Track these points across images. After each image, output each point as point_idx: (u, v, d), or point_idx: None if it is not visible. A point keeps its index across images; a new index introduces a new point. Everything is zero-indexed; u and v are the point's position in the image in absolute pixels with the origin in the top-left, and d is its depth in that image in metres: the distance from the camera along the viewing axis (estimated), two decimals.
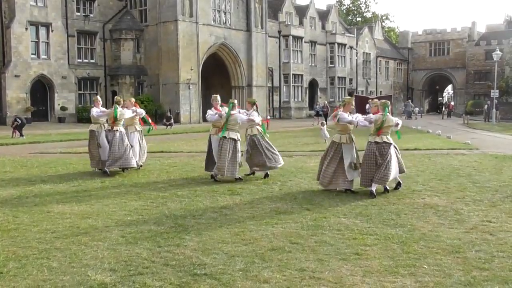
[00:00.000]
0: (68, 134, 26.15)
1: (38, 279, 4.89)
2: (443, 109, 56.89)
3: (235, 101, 11.09)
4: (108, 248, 5.86)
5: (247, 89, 43.93)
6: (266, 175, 11.12)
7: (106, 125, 12.42)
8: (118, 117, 11.86)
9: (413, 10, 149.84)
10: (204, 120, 38.60)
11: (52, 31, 34.69)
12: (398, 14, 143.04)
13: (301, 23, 51.35)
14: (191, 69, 38.37)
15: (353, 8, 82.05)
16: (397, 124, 9.47)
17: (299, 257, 5.52)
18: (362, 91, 59.33)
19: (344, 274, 5.00)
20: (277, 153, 11.26)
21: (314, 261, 5.37)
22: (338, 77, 55.16)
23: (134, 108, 12.60)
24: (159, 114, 36.83)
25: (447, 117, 50.92)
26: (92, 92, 38.81)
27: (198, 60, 39.20)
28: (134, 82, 39.05)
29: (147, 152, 13.60)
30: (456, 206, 8.04)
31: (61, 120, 35.33)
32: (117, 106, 12.01)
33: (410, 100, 56.04)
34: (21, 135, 23.65)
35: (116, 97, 12.91)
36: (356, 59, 59.44)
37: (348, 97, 10.55)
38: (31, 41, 33.91)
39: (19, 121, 24.14)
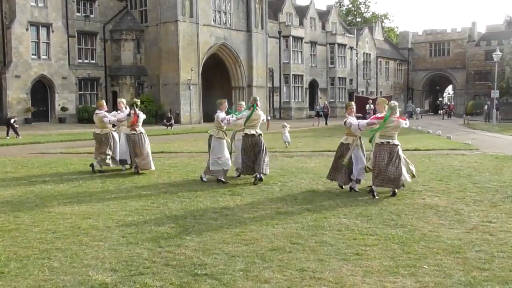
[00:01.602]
0: (69, 134, 26.15)
1: (39, 279, 4.90)
2: (440, 110, 56.83)
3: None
4: (109, 248, 5.87)
5: (247, 90, 43.95)
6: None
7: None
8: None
9: (412, 10, 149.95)
10: (205, 120, 38.70)
11: (52, 31, 34.71)
12: (398, 14, 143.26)
13: (301, 23, 51.37)
14: (192, 70, 38.39)
15: (353, 9, 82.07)
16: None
17: (300, 257, 5.53)
18: (362, 92, 59.39)
19: (344, 274, 5.00)
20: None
21: (315, 261, 5.38)
22: (339, 78, 55.18)
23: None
24: (160, 114, 36.86)
25: (448, 117, 51.01)
26: (92, 92, 38.86)
27: (198, 60, 39.22)
28: (134, 83, 39.07)
29: None
30: (456, 207, 8.05)
31: (61, 120, 35.36)
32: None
33: (410, 101, 56.09)
34: (18, 135, 23.88)
35: (134, 99, 13.16)
36: (356, 60, 59.45)
37: (349, 102, 10.56)
38: (32, 41, 33.95)
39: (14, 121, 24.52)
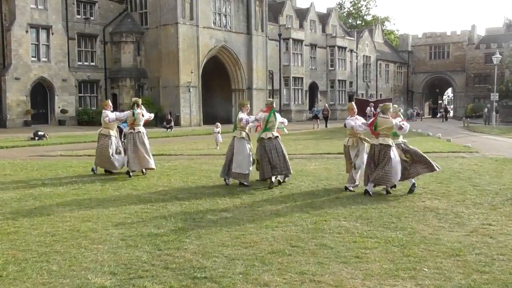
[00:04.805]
0: (68, 137, 26.15)
1: (38, 282, 4.88)
2: (439, 112, 56.78)
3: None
4: (108, 251, 5.85)
5: (247, 92, 43.94)
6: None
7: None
8: (136, 118, 12.12)
9: (413, 13, 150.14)
10: (205, 123, 38.71)
11: (52, 33, 34.70)
12: (398, 17, 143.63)
13: (301, 26, 51.39)
14: (192, 72, 38.38)
15: (354, 11, 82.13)
16: (400, 127, 9.51)
17: (300, 260, 5.51)
18: (362, 94, 59.39)
19: (344, 277, 4.99)
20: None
21: (315, 264, 5.36)
22: (338, 80, 55.17)
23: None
24: (159, 117, 36.83)
25: (445, 120, 51.17)
26: (92, 95, 38.83)
27: (198, 63, 39.22)
28: (134, 85, 39.05)
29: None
30: (456, 209, 8.04)
31: (61, 122, 35.31)
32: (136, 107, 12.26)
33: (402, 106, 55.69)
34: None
35: (135, 98, 13.15)
36: (356, 62, 59.43)
37: (350, 103, 10.86)
38: (32, 43, 33.90)
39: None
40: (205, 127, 36.23)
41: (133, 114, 12.06)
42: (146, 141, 12.25)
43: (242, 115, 10.82)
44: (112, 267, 5.29)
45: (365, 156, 9.95)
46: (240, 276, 5.02)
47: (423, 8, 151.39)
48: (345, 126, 10.30)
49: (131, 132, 12.10)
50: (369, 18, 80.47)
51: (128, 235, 6.52)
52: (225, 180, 10.83)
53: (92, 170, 12.52)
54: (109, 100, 13.45)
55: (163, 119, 34.65)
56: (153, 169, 12.28)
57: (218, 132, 19.60)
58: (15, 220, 7.39)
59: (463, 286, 4.77)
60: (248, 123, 10.75)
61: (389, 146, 9.36)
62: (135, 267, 5.30)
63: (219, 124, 20.20)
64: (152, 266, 5.33)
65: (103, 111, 12.74)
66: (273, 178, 10.46)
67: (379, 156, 9.36)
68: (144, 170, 12.16)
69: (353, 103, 11.03)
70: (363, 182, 9.76)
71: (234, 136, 10.90)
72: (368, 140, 10.00)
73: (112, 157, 12.25)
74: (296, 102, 50.20)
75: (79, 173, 12.50)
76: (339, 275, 5.05)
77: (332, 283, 4.85)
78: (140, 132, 12.14)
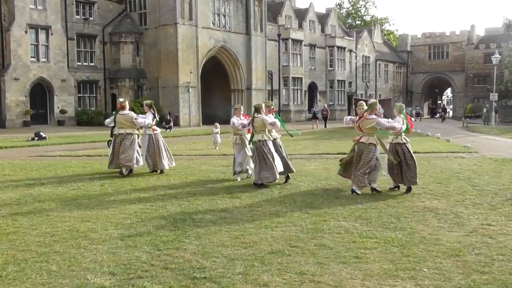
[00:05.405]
0: (68, 137, 26.14)
1: (37, 282, 4.87)
2: (437, 112, 56.66)
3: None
4: (108, 251, 5.85)
5: (246, 92, 43.94)
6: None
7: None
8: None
9: (412, 14, 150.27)
10: (204, 123, 38.70)
11: (51, 34, 34.67)
12: (398, 17, 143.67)
13: (300, 26, 51.40)
14: (191, 72, 38.37)
15: (353, 12, 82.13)
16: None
17: (299, 260, 5.51)
18: (362, 94, 59.36)
19: (344, 278, 4.99)
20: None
21: (314, 265, 5.36)
22: (338, 80, 55.18)
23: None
24: (159, 117, 36.78)
25: (443, 120, 51.20)
26: (91, 95, 38.81)
27: (197, 63, 39.21)
28: (133, 85, 39.04)
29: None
30: (455, 209, 8.04)
31: (60, 123, 35.29)
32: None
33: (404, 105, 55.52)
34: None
35: (150, 100, 13.68)
36: (356, 62, 59.44)
37: (373, 100, 10.53)
38: (31, 44, 33.87)
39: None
40: (204, 127, 36.22)
41: (154, 116, 12.52)
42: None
43: (270, 119, 10.63)
44: (112, 267, 5.29)
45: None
46: (240, 276, 5.02)
47: (422, 8, 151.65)
48: (375, 125, 9.46)
49: (156, 133, 12.56)
50: (368, 18, 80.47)
51: (127, 235, 6.52)
52: (263, 183, 10.41)
53: (120, 172, 11.97)
54: (127, 102, 13.22)
55: (162, 119, 34.60)
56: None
57: (217, 133, 19.59)
58: (14, 220, 7.38)
59: (462, 286, 4.77)
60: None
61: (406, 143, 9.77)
62: (134, 267, 5.29)
63: (218, 124, 20.19)
64: (152, 266, 5.33)
65: (125, 111, 12.31)
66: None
67: (408, 154, 9.63)
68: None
69: (377, 101, 10.91)
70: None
71: (265, 140, 10.51)
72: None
73: (137, 154, 12.35)
74: (295, 102, 50.21)
75: (79, 173, 12.49)
76: (339, 275, 5.04)
77: (332, 283, 4.85)
78: (159, 132, 12.78)
